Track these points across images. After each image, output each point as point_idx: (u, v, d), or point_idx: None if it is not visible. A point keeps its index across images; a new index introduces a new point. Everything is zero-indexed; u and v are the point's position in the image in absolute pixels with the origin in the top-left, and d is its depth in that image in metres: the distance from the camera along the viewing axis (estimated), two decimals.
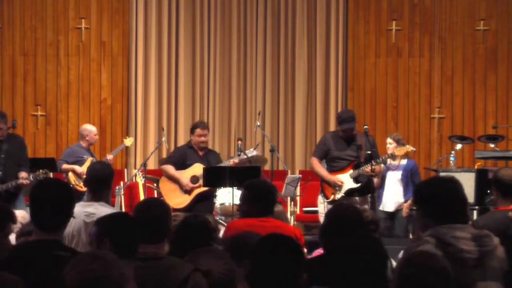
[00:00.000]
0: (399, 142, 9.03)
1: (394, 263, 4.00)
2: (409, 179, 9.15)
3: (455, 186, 3.64)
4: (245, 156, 8.78)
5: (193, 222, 4.25)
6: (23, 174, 8.22)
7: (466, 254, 3.42)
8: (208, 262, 2.65)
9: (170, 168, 8.59)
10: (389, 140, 9.15)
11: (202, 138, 8.56)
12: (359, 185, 8.12)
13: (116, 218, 3.77)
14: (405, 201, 9.13)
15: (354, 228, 3.98)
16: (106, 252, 2.81)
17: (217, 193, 9.22)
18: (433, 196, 3.61)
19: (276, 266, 2.84)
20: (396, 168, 9.11)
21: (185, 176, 8.55)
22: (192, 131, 8.72)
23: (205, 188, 8.47)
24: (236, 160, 8.62)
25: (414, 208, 4.99)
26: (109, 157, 9.73)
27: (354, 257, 3.21)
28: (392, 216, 9.16)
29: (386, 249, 3.43)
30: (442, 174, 9.12)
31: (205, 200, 8.58)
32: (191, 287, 2.58)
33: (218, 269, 2.63)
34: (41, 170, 8.21)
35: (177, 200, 8.49)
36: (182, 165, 8.60)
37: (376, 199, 8.87)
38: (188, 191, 8.52)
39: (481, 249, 3.46)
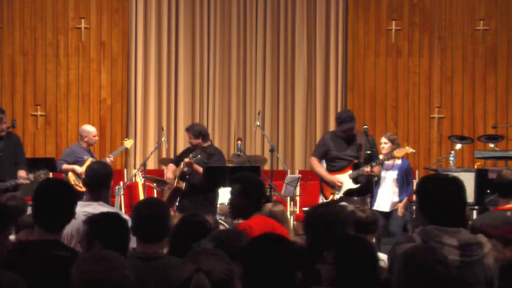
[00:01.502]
0: (394, 142, 9.02)
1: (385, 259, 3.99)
2: (404, 179, 9.15)
3: (455, 187, 3.56)
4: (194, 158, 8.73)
5: (191, 221, 4.25)
6: (22, 173, 8.23)
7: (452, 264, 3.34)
8: (209, 262, 2.65)
9: (169, 166, 9.06)
10: (383, 139, 9.11)
11: (189, 140, 8.78)
12: (358, 185, 8.12)
13: (106, 219, 3.77)
14: (400, 201, 9.12)
15: (327, 227, 3.96)
16: (111, 253, 2.82)
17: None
18: (431, 194, 3.56)
19: (270, 267, 2.83)
20: (391, 168, 9.09)
21: (173, 173, 8.92)
22: None
23: (174, 185, 8.57)
24: (187, 159, 8.62)
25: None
26: (109, 159, 9.70)
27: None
28: (387, 216, 9.15)
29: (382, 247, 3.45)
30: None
31: (182, 198, 8.61)
32: (194, 287, 2.58)
33: (219, 269, 2.63)
34: (41, 170, 8.24)
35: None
36: (177, 164, 9.00)
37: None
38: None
39: (463, 260, 3.40)
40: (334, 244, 3.39)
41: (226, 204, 9.00)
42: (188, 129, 8.88)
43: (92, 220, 3.77)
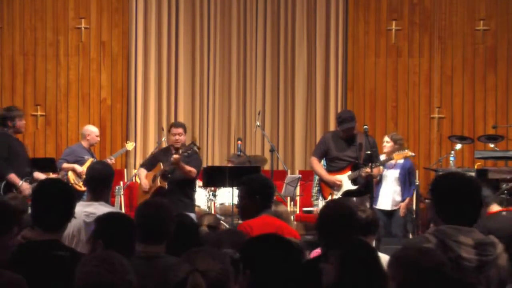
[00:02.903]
0: (396, 142, 9.03)
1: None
2: (407, 178, 9.16)
3: (470, 187, 3.52)
4: (185, 154, 8.59)
5: (180, 222, 4.24)
6: (42, 175, 8.35)
7: (464, 262, 3.36)
8: (205, 262, 2.65)
9: (140, 172, 8.71)
10: (386, 139, 9.14)
11: (176, 137, 8.51)
12: (357, 187, 8.11)
13: (112, 219, 3.77)
14: (402, 200, 9.13)
15: (346, 225, 3.94)
16: (116, 255, 2.84)
17: (217, 193, 9.22)
18: (447, 192, 3.52)
19: (266, 266, 2.82)
20: (393, 166, 9.11)
21: (146, 177, 8.60)
22: (169, 130, 8.77)
23: (157, 186, 8.45)
24: (176, 156, 8.49)
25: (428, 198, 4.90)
26: (110, 160, 9.68)
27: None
28: (389, 215, 9.15)
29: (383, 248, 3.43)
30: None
31: (169, 194, 8.49)
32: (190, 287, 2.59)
33: (214, 269, 2.64)
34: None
35: (139, 201, 8.52)
36: (153, 166, 8.65)
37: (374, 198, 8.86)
38: (146, 192, 8.52)
39: (480, 259, 3.38)
40: (338, 246, 3.34)
41: (226, 204, 9.03)
42: (182, 125, 8.64)
43: (99, 220, 3.78)
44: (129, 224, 3.76)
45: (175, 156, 8.20)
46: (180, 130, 8.49)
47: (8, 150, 8.20)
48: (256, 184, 5.11)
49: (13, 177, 8.09)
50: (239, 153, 9.00)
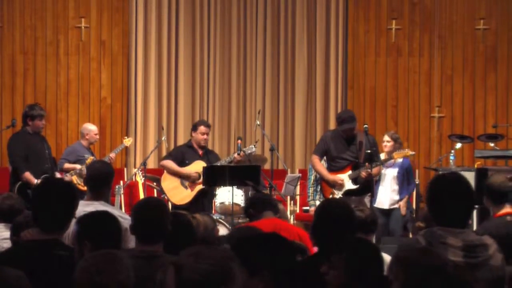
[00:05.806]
0: (396, 141, 9.03)
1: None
2: (405, 177, 9.15)
3: (462, 188, 3.50)
4: (246, 154, 8.77)
5: (176, 221, 4.24)
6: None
7: (451, 265, 3.30)
8: (187, 259, 2.55)
9: (172, 163, 8.73)
10: (386, 138, 9.14)
11: (205, 136, 8.67)
12: (357, 186, 8.11)
13: (95, 219, 3.70)
14: (400, 199, 9.12)
15: (342, 225, 3.91)
16: (116, 255, 2.83)
17: (217, 192, 9.22)
18: (436, 194, 3.52)
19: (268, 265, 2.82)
20: (391, 165, 9.11)
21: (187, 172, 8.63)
22: (195, 128, 8.85)
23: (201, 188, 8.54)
24: (236, 155, 8.64)
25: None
26: (111, 155, 9.69)
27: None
28: (387, 213, 9.14)
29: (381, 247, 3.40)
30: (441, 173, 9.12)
31: (207, 196, 8.63)
32: (160, 281, 2.47)
33: (194, 268, 2.44)
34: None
35: (179, 196, 8.57)
36: (180, 163, 8.76)
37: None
38: (191, 186, 8.58)
39: (468, 261, 3.36)
40: (343, 248, 3.30)
41: (226, 203, 9.02)
42: (207, 125, 8.89)
43: (81, 220, 3.72)
44: (113, 222, 3.72)
45: (238, 156, 8.52)
46: (208, 131, 8.77)
47: (25, 149, 8.33)
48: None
49: (27, 175, 8.20)
50: (239, 152, 9.00)
